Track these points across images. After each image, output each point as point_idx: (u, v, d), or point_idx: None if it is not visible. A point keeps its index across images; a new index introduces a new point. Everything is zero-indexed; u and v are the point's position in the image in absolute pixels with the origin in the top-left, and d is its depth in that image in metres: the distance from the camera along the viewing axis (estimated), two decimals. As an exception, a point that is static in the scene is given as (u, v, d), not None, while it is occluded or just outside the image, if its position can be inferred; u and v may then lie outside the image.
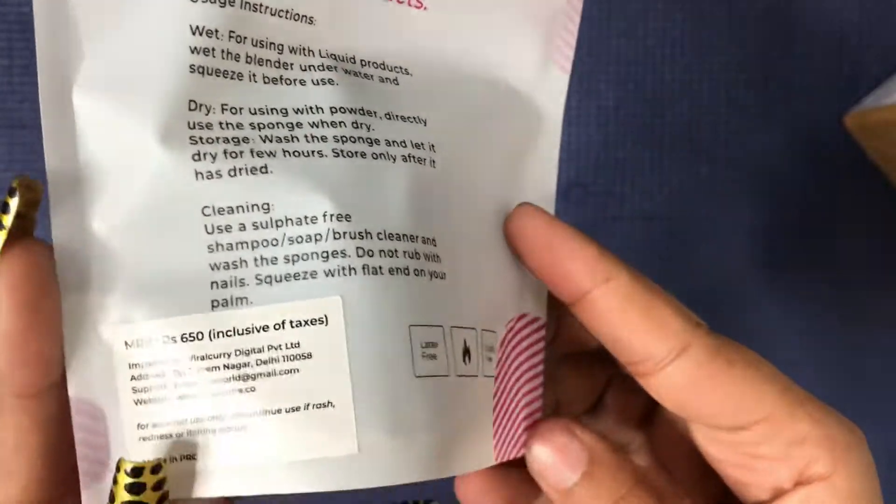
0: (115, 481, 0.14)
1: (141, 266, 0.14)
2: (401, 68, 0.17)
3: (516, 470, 0.19)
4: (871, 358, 0.38)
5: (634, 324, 0.16)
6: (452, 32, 0.17)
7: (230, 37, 0.15)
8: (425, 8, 0.17)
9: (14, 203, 0.13)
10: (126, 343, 0.14)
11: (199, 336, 0.14)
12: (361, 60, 0.16)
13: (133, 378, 0.14)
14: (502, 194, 0.18)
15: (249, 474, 0.14)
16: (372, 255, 0.14)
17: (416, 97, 0.17)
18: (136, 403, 0.14)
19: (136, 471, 0.13)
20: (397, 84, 0.17)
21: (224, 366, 0.14)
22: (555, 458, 0.17)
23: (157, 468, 0.13)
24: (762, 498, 0.17)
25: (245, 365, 0.14)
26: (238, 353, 0.14)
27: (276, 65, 0.15)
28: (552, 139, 0.19)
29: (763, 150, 0.37)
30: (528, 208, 0.17)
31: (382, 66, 0.16)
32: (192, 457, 0.14)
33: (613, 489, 0.17)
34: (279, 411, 0.14)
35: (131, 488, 0.13)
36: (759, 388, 0.16)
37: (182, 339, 0.14)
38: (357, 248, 0.14)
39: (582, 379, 0.20)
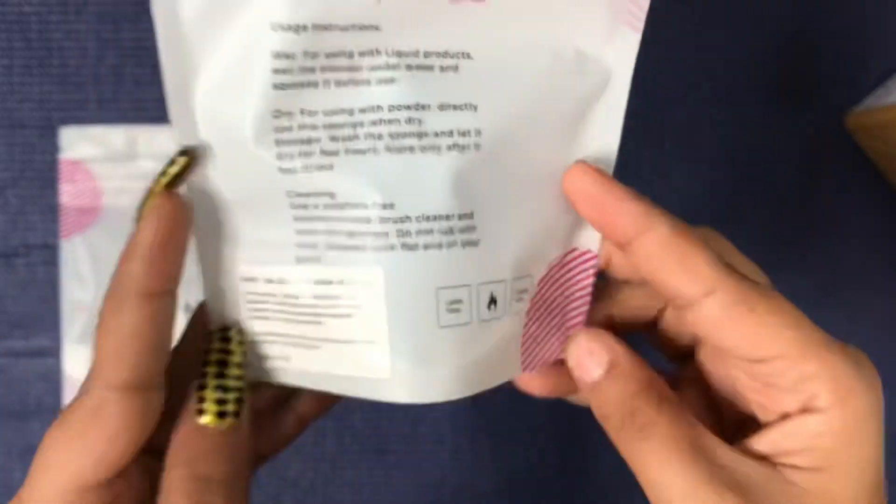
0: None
1: (247, 230, 0.20)
2: (463, 53, 0.19)
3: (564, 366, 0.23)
4: (874, 356, 0.38)
5: (670, 268, 0.20)
6: (515, 16, 0.19)
7: (305, 55, 0.18)
8: (485, 1, 0.18)
9: (181, 160, 0.19)
10: (242, 278, 0.20)
11: (287, 281, 0.20)
12: (425, 52, 0.19)
13: (248, 301, 0.21)
14: (561, 154, 0.20)
15: (312, 376, 0.20)
16: (409, 235, 0.19)
17: (473, 82, 0.19)
18: (250, 319, 0.21)
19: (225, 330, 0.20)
20: (457, 71, 0.19)
21: (303, 304, 0.20)
22: (585, 356, 0.21)
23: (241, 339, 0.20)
24: (770, 419, 0.20)
25: (317, 306, 0.20)
26: (313, 298, 0.20)
27: (347, 69, 0.18)
28: (619, 95, 0.20)
29: (764, 150, 0.37)
30: (582, 167, 0.20)
31: (445, 55, 0.19)
32: (277, 357, 0.21)
33: (628, 385, 0.21)
34: (337, 340, 0.20)
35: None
36: (776, 331, 0.19)
37: (278, 281, 0.20)
38: (397, 230, 0.19)
39: (636, 301, 0.23)
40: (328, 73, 0.18)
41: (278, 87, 0.18)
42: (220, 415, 0.19)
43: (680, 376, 0.24)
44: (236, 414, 0.19)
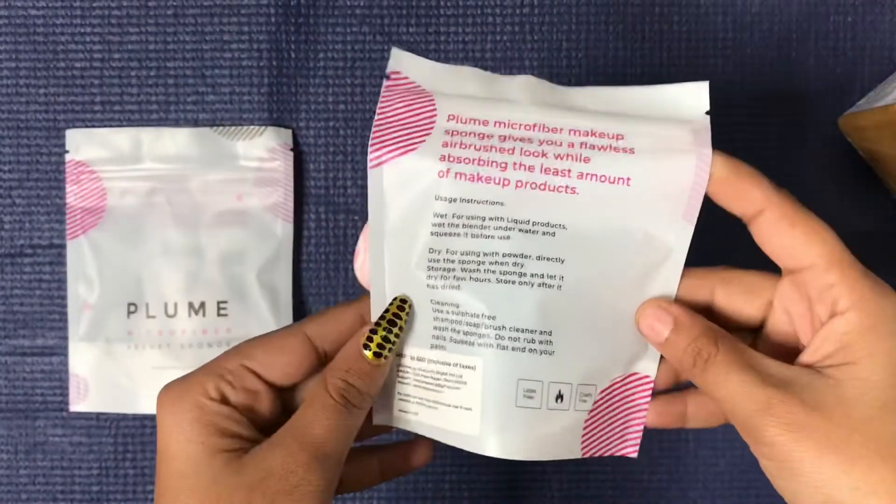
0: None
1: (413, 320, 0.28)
2: (559, 225, 0.27)
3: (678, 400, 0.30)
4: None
5: (729, 195, 0.26)
6: (601, 205, 0.27)
7: (454, 216, 0.27)
8: (578, 193, 0.26)
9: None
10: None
11: (422, 359, 0.28)
12: (532, 222, 0.27)
13: (397, 369, 0.29)
14: (630, 302, 0.28)
15: (426, 427, 0.29)
16: (503, 339, 0.27)
17: (564, 244, 0.27)
18: (397, 382, 0.29)
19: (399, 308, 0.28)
20: (554, 236, 0.27)
21: (428, 377, 0.28)
22: (655, 322, 0.27)
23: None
24: (816, 329, 0.25)
25: (439, 379, 0.28)
26: (437, 373, 0.28)
27: (479, 227, 0.27)
28: (677, 265, 0.27)
29: (758, 151, 0.38)
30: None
31: (547, 225, 0.27)
32: (409, 412, 0.29)
33: (690, 333, 0.26)
34: (448, 405, 0.28)
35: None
36: (809, 246, 0.25)
37: (417, 358, 0.28)
38: (496, 334, 0.27)
39: (690, 295, 0.28)
40: (467, 228, 0.27)
41: (434, 234, 0.27)
42: (377, 355, 0.27)
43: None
44: (385, 357, 0.27)
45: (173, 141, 0.37)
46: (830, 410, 0.23)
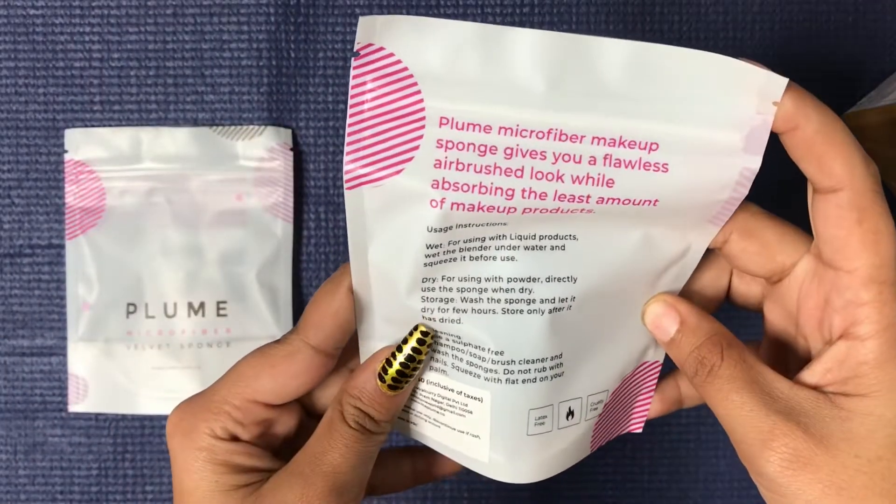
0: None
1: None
2: (570, 236, 0.24)
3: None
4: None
5: (806, 154, 0.23)
6: (618, 219, 0.23)
7: (448, 243, 0.23)
8: (594, 213, 0.23)
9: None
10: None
11: (424, 380, 0.26)
12: (539, 235, 0.24)
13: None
14: (639, 303, 0.26)
15: (433, 442, 0.28)
16: (512, 373, 0.25)
17: (575, 258, 0.24)
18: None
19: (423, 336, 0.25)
20: (564, 249, 0.24)
21: (432, 396, 0.27)
22: (662, 319, 0.25)
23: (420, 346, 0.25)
24: (819, 348, 0.24)
25: (440, 402, 0.26)
26: (439, 396, 0.26)
27: (479, 248, 0.24)
28: (692, 262, 0.25)
29: (759, 151, 0.38)
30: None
31: (555, 237, 0.24)
32: (413, 423, 0.28)
33: (695, 338, 0.24)
34: (452, 427, 0.27)
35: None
36: (861, 250, 0.22)
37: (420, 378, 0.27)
38: (504, 369, 0.24)
39: (710, 273, 0.27)
40: (464, 251, 0.23)
41: (427, 264, 0.23)
42: (393, 388, 0.25)
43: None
44: (403, 390, 0.25)
45: (173, 141, 0.37)
46: (836, 446, 0.21)
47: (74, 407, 0.38)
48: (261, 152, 0.37)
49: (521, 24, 0.38)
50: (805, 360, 0.25)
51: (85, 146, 0.37)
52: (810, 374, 0.23)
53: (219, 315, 0.37)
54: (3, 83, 0.38)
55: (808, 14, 0.38)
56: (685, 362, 0.25)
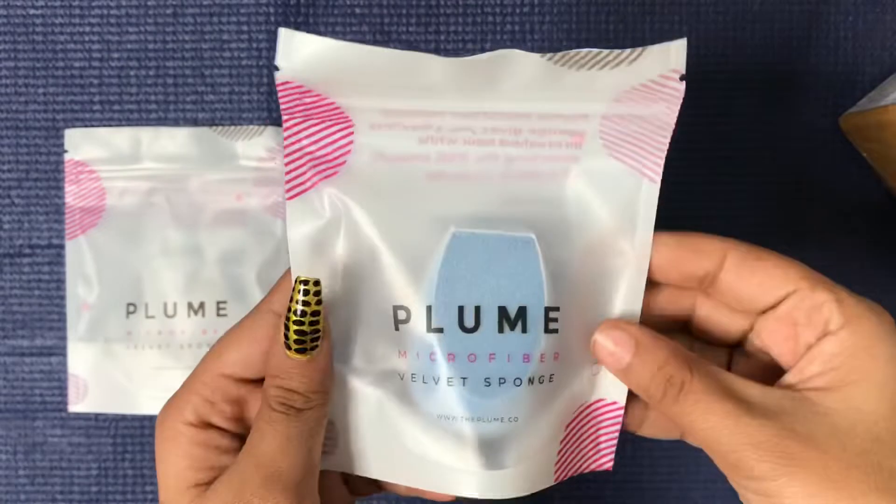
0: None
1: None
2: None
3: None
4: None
5: (684, 261, 0.25)
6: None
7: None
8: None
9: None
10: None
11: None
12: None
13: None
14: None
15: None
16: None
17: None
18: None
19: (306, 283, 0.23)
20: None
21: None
22: (613, 348, 0.24)
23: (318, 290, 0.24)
24: (801, 354, 0.23)
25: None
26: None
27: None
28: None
29: (759, 151, 0.38)
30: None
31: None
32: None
33: (657, 358, 0.23)
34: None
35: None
36: (786, 272, 0.23)
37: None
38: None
39: (670, 306, 0.27)
40: None
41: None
42: (299, 351, 0.24)
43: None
44: (312, 349, 0.24)
45: (172, 140, 0.37)
46: (825, 443, 0.21)
47: (74, 407, 0.37)
48: (261, 152, 0.37)
49: (521, 24, 0.38)
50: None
51: (85, 146, 0.37)
52: (787, 377, 0.23)
53: (219, 315, 0.37)
54: (3, 83, 0.38)
55: (807, 14, 0.38)
56: (648, 386, 0.24)
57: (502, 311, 0.25)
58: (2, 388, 0.38)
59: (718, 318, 0.26)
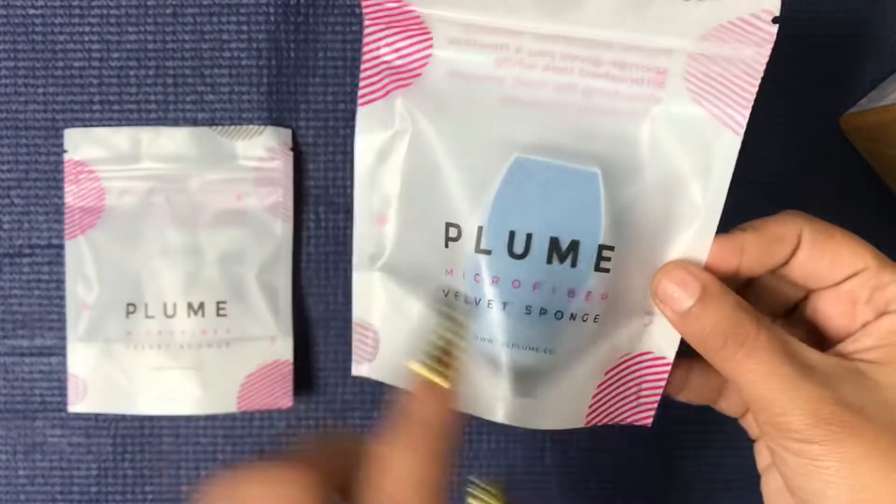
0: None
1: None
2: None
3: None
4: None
5: (772, 236, 0.24)
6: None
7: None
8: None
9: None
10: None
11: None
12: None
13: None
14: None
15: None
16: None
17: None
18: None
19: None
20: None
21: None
22: (676, 289, 0.24)
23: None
24: (854, 330, 0.24)
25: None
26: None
27: None
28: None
29: (759, 152, 0.38)
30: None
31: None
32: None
33: (725, 306, 0.23)
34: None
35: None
36: (855, 251, 0.24)
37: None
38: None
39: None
40: None
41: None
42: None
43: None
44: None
45: (172, 140, 0.37)
46: (875, 414, 0.22)
47: (74, 407, 0.37)
48: (260, 152, 0.37)
49: (521, 24, 0.38)
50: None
51: (84, 146, 0.37)
52: (844, 345, 0.24)
53: (218, 315, 0.37)
54: (3, 83, 0.38)
55: (808, 14, 0.38)
56: (708, 336, 0.23)
57: (553, 242, 0.24)
58: (2, 388, 0.38)
59: (774, 285, 0.26)
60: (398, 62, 0.25)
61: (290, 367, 0.37)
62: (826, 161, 0.38)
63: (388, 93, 0.25)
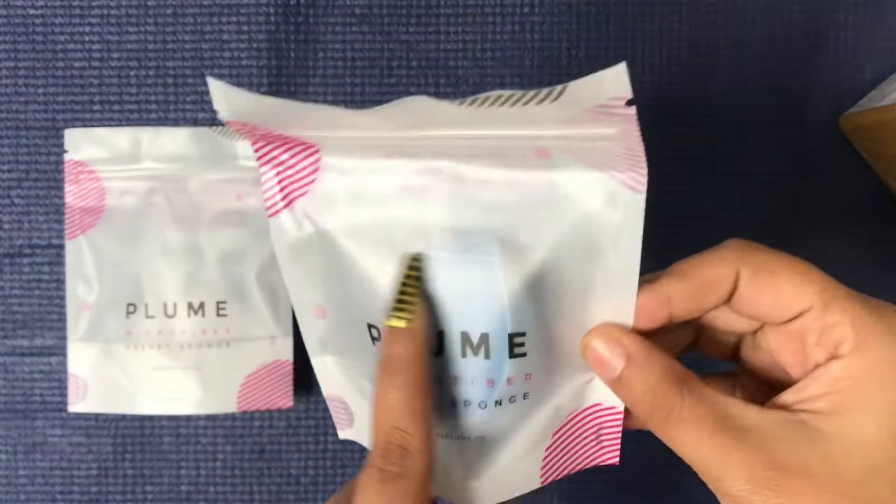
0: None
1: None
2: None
3: None
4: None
5: (704, 271, 0.23)
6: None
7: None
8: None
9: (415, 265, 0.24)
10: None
11: None
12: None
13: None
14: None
15: None
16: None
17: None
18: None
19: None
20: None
21: None
22: (606, 355, 0.23)
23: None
24: (808, 369, 0.22)
25: None
26: None
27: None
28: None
29: (759, 151, 0.38)
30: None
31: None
32: None
33: (648, 375, 0.22)
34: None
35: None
36: (799, 289, 0.22)
37: None
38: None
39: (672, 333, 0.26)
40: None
41: None
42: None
43: (733, 371, 0.27)
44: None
45: (172, 140, 0.37)
46: (817, 472, 0.21)
47: (74, 407, 0.37)
48: (261, 152, 0.37)
49: (521, 24, 0.38)
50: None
51: (85, 146, 0.37)
52: (786, 394, 0.22)
53: (218, 315, 0.37)
54: (3, 83, 0.38)
55: (808, 14, 0.38)
56: (638, 404, 0.23)
57: (465, 337, 0.24)
58: (2, 388, 0.38)
59: (726, 318, 0.25)
60: (291, 171, 0.25)
61: (290, 367, 0.37)
62: (826, 161, 0.38)
63: (290, 202, 0.25)
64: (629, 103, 0.21)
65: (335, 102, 0.38)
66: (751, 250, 0.23)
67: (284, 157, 0.25)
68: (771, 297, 0.22)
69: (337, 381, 0.27)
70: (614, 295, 0.24)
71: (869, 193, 0.38)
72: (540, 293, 0.24)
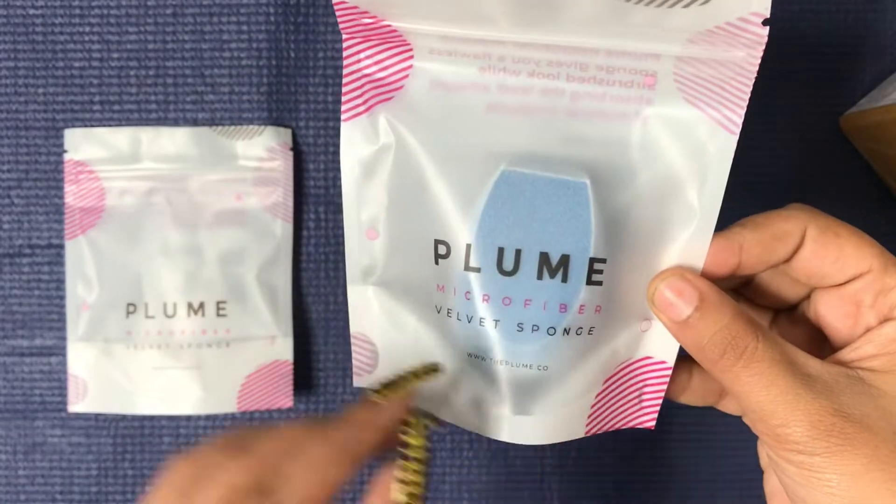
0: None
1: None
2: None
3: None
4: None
5: (776, 226, 0.24)
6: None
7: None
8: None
9: (432, 374, 0.25)
10: None
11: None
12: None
13: None
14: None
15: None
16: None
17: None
18: None
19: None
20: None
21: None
22: (674, 297, 0.23)
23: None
24: (857, 335, 0.23)
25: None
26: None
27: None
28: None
29: (759, 152, 0.38)
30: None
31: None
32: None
33: (722, 316, 0.23)
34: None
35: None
36: (861, 251, 0.23)
37: None
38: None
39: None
40: None
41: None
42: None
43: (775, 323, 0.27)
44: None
45: (172, 140, 0.37)
46: (877, 424, 0.21)
47: (74, 407, 0.37)
48: (260, 152, 0.37)
49: (521, 24, 0.38)
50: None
51: (85, 146, 0.37)
52: (845, 352, 0.23)
53: (218, 315, 0.37)
54: (3, 83, 0.38)
55: (808, 13, 0.38)
56: (707, 346, 0.23)
57: (543, 257, 0.24)
58: (2, 388, 0.38)
59: (778, 281, 0.26)
60: (379, 75, 0.24)
61: (290, 367, 0.37)
62: (826, 161, 0.38)
63: (370, 107, 0.24)
64: (765, 23, 0.22)
65: (335, 102, 0.38)
66: (816, 212, 0.24)
67: (374, 57, 0.24)
68: (835, 255, 0.23)
69: (372, 315, 0.27)
70: (690, 235, 0.24)
71: (870, 193, 0.38)
72: (621, 224, 0.24)
